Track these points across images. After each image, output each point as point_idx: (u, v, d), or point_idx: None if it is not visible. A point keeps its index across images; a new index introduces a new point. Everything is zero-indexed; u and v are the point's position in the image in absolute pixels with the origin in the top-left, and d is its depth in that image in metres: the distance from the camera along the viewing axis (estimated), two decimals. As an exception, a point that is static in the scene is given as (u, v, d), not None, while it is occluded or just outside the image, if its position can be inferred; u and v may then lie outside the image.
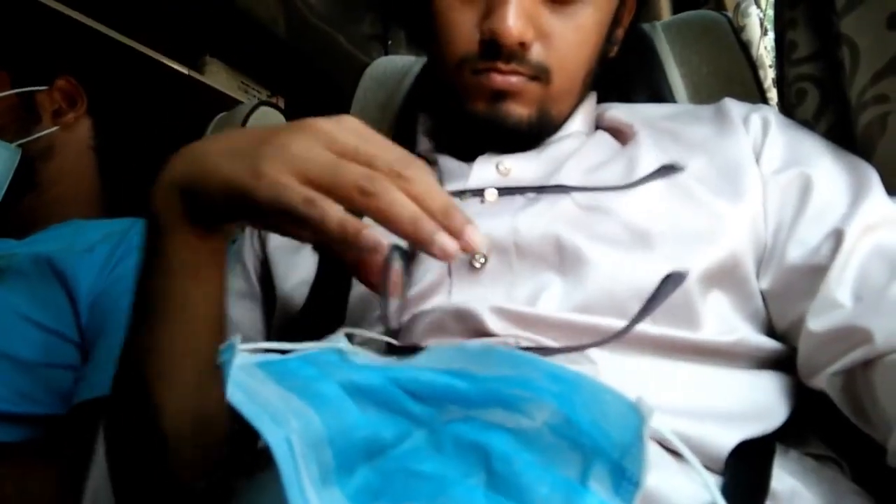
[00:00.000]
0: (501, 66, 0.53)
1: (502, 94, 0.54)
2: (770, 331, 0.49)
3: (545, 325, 0.45)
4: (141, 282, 0.43)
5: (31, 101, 0.86)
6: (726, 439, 0.40)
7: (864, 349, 0.40)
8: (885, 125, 0.53)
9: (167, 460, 0.42)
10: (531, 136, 0.57)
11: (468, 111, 0.55)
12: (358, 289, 0.52)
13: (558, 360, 0.43)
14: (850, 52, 0.55)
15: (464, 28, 0.54)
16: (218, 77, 1.64)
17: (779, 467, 0.40)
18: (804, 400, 0.46)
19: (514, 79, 0.53)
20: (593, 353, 0.43)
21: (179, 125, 1.08)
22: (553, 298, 0.46)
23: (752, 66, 0.78)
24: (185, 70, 1.51)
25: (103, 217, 0.88)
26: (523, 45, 0.52)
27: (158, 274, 0.42)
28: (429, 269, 0.49)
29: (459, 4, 0.54)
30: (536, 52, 0.53)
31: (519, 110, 0.55)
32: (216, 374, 0.37)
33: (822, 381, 0.43)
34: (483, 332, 0.45)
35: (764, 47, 1.29)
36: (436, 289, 0.49)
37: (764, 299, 0.49)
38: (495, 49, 0.52)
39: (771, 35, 1.28)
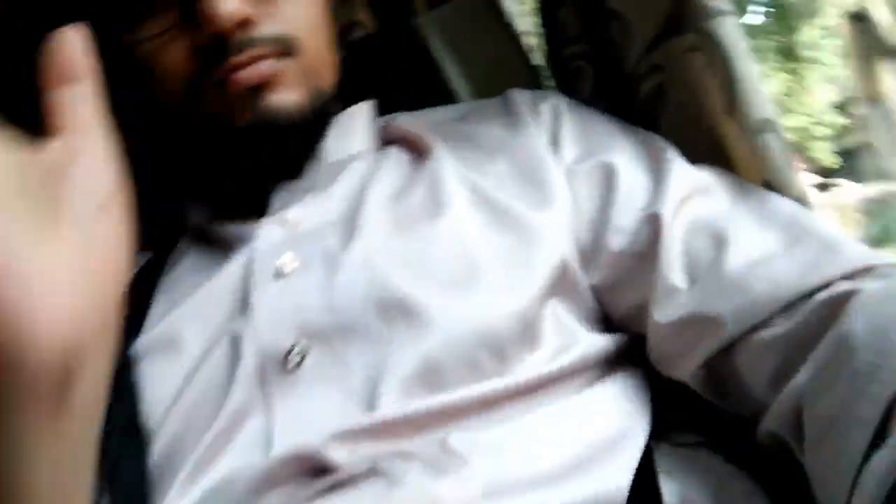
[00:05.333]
0: (239, 59, 0.44)
1: (259, 88, 0.44)
2: (606, 325, 0.47)
3: (397, 428, 0.37)
4: None
5: None
6: (621, 476, 0.36)
7: (716, 337, 0.38)
8: (663, 94, 0.54)
9: None
10: (311, 128, 0.48)
11: (232, 132, 0.45)
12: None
13: (417, 473, 0.35)
14: (621, 26, 0.55)
15: (176, 55, 0.45)
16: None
17: (659, 470, 0.38)
18: (657, 389, 0.44)
19: (262, 65, 0.44)
20: (450, 442, 0.36)
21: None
22: (396, 383, 0.38)
23: (522, 50, 0.77)
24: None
25: None
26: (248, 23, 0.44)
27: None
28: (222, 405, 0.39)
29: (163, 46, 0.45)
30: (267, 26, 0.45)
31: (287, 97, 0.45)
32: None
33: (683, 375, 0.42)
34: (325, 469, 0.36)
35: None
36: (236, 431, 0.38)
37: (595, 295, 0.47)
38: (221, 47, 0.43)
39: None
